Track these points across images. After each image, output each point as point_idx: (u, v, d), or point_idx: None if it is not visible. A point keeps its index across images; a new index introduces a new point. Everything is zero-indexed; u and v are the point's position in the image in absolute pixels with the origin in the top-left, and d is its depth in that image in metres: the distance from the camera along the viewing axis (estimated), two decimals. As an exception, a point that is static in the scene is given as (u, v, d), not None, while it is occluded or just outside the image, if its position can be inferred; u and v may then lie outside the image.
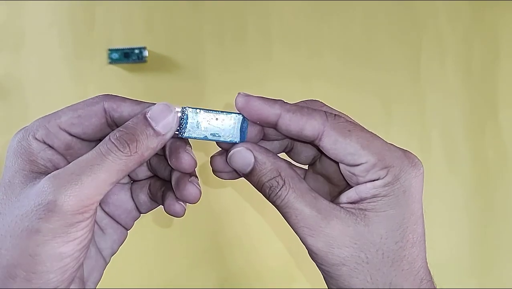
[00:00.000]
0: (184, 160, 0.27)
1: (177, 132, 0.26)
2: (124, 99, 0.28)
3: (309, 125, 0.25)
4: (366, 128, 0.26)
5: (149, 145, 0.25)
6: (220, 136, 0.27)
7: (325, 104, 0.28)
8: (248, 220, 0.54)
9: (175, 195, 0.28)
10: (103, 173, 0.23)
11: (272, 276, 0.54)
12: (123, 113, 0.27)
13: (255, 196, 0.55)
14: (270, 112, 0.26)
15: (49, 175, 0.24)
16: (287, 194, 0.26)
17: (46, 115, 0.26)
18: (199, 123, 0.26)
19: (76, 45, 0.53)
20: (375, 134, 0.26)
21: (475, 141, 0.59)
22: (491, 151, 0.59)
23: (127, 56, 0.52)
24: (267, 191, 0.26)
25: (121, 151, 0.24)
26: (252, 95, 0.26)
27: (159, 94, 0.54)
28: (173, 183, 0.28)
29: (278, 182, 0.26)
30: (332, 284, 0.27)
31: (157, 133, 0.25)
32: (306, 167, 0.31)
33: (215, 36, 0.55)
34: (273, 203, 0.26)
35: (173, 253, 0.53)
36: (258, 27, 0.56)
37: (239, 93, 0.26)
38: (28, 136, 0.25)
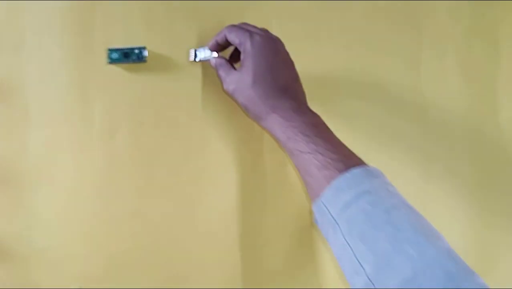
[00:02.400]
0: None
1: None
2: None
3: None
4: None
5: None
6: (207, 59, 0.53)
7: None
8: (251, 220, 0.54)
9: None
10: None
11: (274, 276, 0.54)
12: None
13: (257, 195, 0.56)
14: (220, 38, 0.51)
15: None
16: (219, 71, 0.51)
17: None
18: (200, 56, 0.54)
19: (76, 45, 0.53)
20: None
21: (475, 140, 0.59)
22: (491, 149, 0.59)
23: (127, 56, 0.52)
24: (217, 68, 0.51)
25: None
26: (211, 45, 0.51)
27: (159, 94, 0.54)
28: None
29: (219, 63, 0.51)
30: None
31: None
32: None
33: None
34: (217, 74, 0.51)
35: (174, 252, 0.53)
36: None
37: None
38: None
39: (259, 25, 0.55)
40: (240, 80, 0.47)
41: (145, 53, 0.52)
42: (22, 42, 0.52)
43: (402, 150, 0.58)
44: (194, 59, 0.54)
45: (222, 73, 0.50)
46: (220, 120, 0.54)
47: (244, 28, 0.48)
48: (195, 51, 0.54)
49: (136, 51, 0.52)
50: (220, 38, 0.50)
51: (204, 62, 0.54)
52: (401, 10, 0.59)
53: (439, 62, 0.59)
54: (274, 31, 0.53)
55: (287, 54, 0.49)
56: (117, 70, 0.53)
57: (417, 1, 0.59)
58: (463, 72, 0.60)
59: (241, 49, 0.48)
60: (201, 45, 0.54)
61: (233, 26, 0.49)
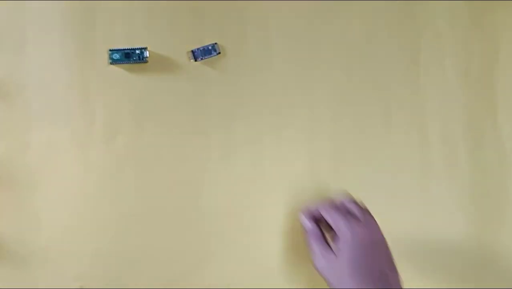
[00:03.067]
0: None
1: None
2: None
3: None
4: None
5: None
6: None
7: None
8: (249, 220, 0.54)
9: None
10: None
11: (272, 276, 0.54)
12: None
13: (255, 195, 0.56)
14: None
15: None
16: (311, 241, 0.50)
17: None
18: None
19: (77, 46, 0.53)
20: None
21: (475, 143, 0.59)
22: (491, 152, 0.59)
23: (128, 57, 0.52)
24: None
25: None
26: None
27: (160, 95, 0.54)
28: None
29: (313, 232, 0.51)
30: None
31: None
32: None
33: (216, 36, 0.55)
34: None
35: (175, 252, 0.53)
36: (259, 27, 0.56)
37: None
38: None
39: (260, 25, 0.56)
40: (335, 265, 0.47)
41: (146, 53, 0.52)
42: (24, 42, 0.52)
43: (400, 151, 0.58)
44: (195, 59, 0.54)
45: (315, 246, 0.50)
46: (220, 120, 0.55)
47: (342, 214, 0.49)
48: (194, 51, 0.54)
49: (137, 51, 0.52)
50: (316, 214, 0.51)
51: (205, 63, 0.55)
52: (400, 12, 0.59)
53: (438, 65, 0.59)
54: (274, 32, 0.54)
55: (382, 239, 0.49)
56: (119, 70, 0.53)
57: (415, 3, 0.60)
58: (462, 74, 0.60)
59: (338, 233, 0.48)
60: (201, 45, 0.54)
61: (332, 207, 0.50)
